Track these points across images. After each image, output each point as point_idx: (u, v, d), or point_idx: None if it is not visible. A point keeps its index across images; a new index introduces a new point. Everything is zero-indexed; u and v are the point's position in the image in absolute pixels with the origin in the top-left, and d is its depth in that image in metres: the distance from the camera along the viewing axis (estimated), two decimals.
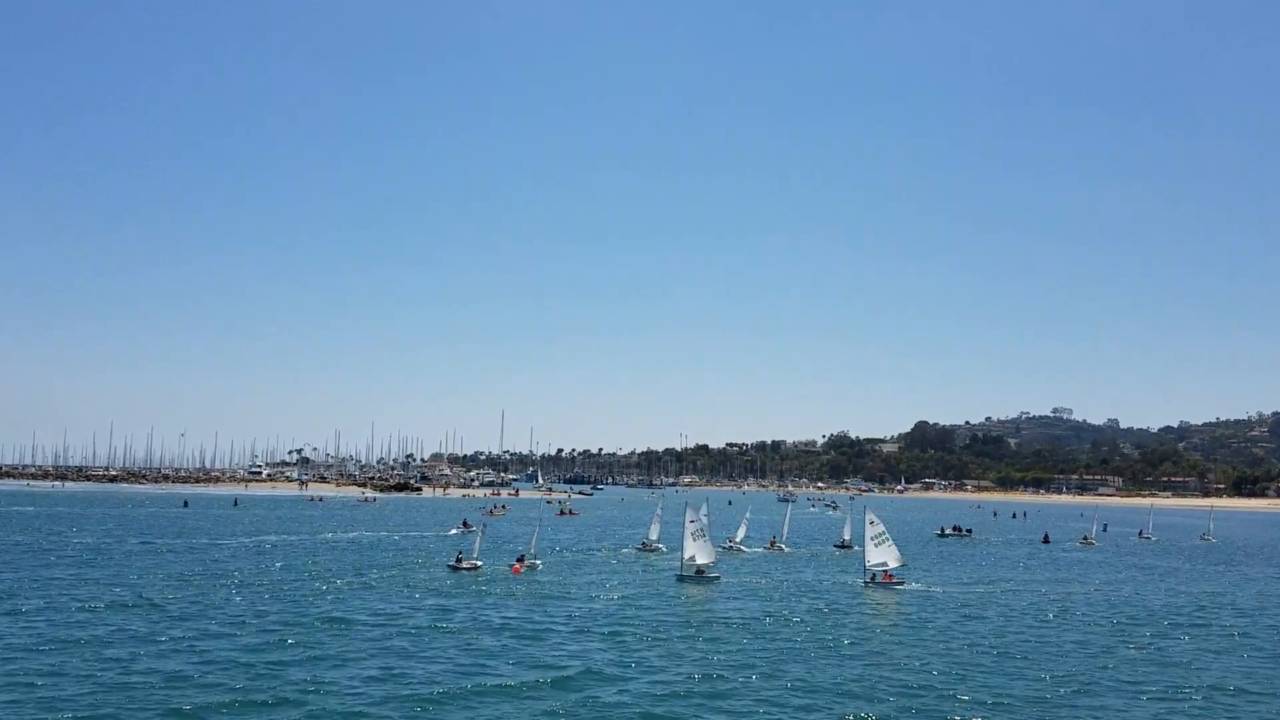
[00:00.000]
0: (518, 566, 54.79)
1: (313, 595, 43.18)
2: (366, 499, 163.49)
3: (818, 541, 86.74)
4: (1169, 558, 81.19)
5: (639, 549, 71.93)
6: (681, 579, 50.32)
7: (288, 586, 46.15)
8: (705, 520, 53.90)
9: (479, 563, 54.99)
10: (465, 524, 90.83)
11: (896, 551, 50.90)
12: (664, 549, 69.32)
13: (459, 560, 55.67)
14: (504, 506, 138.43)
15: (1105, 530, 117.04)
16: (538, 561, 57.71)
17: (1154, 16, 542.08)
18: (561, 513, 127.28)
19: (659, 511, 75.66)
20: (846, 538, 78.46)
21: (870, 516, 50.97)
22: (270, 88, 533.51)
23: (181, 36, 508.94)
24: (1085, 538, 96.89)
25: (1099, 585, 56.28)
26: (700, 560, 50.68)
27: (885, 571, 49.88)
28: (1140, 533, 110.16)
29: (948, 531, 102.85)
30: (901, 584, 49.86)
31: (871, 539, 50.33)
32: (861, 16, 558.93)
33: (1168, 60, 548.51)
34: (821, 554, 74.17)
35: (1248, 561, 79.28)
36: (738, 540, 74.42)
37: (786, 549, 74.97)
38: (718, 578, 50.69)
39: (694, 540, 50.84)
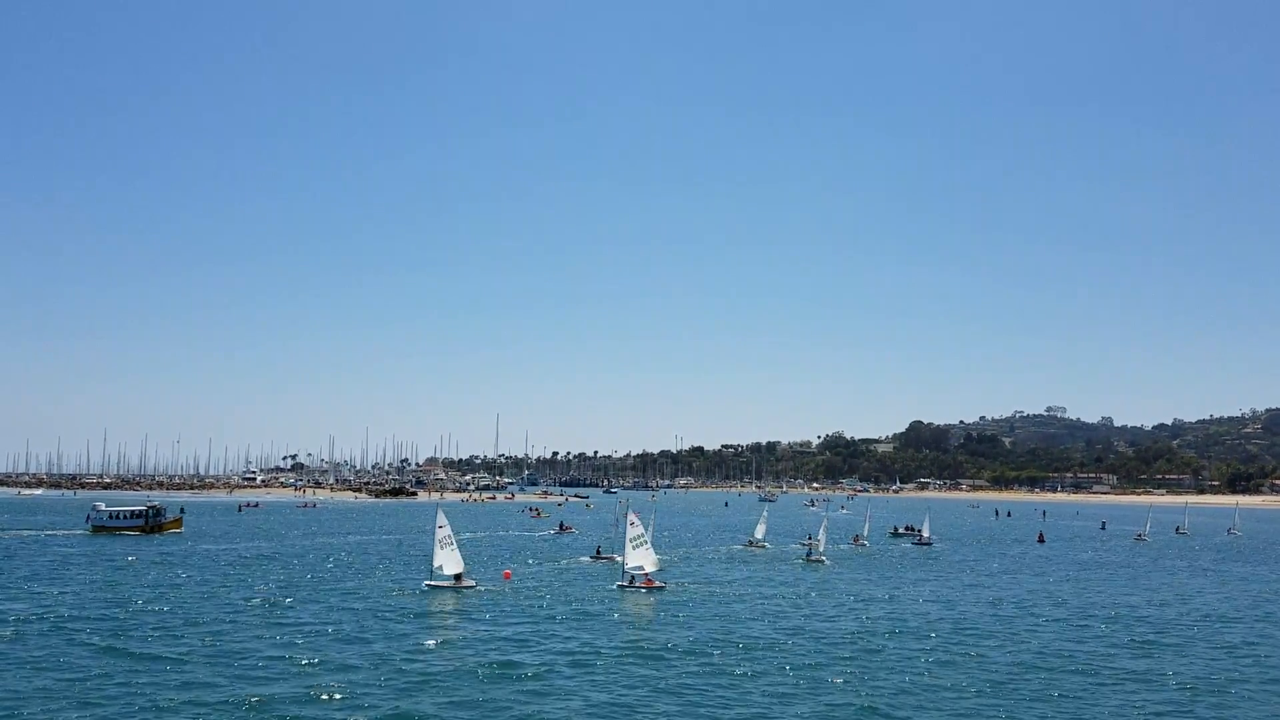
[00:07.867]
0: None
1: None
2: (306, 505, 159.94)
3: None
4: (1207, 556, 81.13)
5: (747, 545, 78.62)
6: (433, 588, 47.47)
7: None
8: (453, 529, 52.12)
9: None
10: (562, 525, 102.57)
11: (654, 555, 50.64)
12: (768, 546, 77.94)
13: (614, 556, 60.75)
14: (538, 510, 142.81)
15: (1104, 528, 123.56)
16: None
17: (1145, 20, 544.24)
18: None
19: (765, 514, 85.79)
20: (925, 532, 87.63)
21: (631, 518, 49.46)
22: (265, 98, 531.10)
23: (173, 43, 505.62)
24: (1139, 535, 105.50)
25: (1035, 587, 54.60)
26: (449, 570, 48.18)
27: (646, 576, 48.77)
28: (1177, 528, 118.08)
29: (900, 530, 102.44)
30: (663, 587, 48.41)
31: (630, 541, 49.15)
32: (854, 19, 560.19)
33: (1163, 62, 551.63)
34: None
35: None
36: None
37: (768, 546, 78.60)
38: (474, 585, 48.16)
39: (442, 549, 48.29)
